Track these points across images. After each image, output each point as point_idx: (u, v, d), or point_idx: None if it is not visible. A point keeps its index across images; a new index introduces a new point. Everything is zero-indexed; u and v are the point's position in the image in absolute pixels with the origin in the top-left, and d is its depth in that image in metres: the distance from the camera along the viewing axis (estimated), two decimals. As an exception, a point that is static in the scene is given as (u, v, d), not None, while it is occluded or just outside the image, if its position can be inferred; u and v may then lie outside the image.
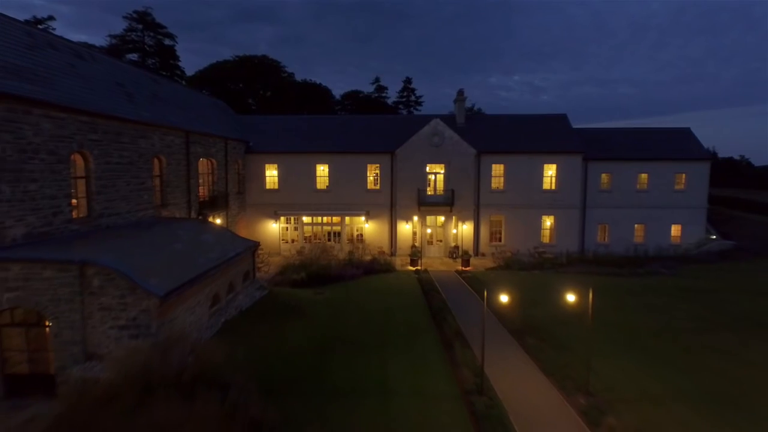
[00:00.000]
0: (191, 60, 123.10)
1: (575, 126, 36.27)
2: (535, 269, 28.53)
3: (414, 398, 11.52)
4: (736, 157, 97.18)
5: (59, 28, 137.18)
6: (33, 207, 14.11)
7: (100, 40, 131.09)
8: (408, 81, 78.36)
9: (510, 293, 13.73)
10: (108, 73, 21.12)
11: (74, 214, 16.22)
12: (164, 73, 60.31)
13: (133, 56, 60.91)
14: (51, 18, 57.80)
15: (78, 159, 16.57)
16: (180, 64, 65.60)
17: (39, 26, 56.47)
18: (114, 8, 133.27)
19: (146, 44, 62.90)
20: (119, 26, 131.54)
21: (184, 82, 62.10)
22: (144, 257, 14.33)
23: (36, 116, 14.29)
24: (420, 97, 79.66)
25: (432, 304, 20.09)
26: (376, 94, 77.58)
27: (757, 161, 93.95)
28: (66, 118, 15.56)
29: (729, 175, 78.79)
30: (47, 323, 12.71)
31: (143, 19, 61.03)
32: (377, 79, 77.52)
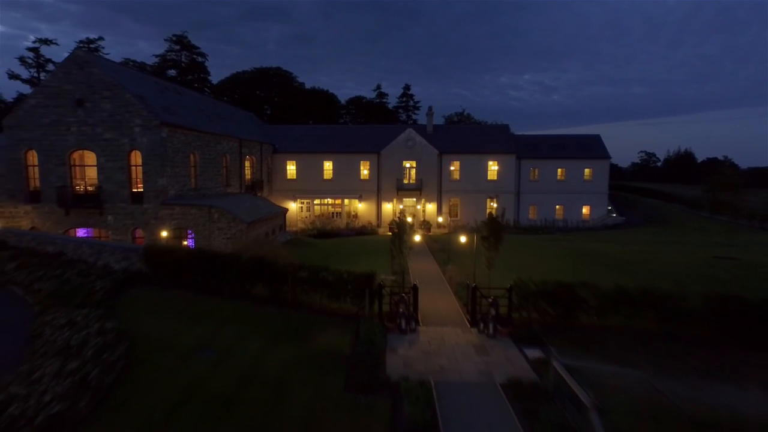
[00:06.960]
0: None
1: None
2: (473, 233, 41.24)
3: (368, 267, 24.41)
4: (720, 157, 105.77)
5: (66, 29, 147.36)
6: (176, 181, 27.17)
7: (106, 38, 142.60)
8: (407, 87, 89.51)
9: (444, 243, 26.38)
10: (191, 101, 34.20)
11: (190, 186, 29.26)
12: (196, 85, 73.36)
13: (172, 72, 74.02)
14: (101, 38, 70.66)
15: (191, 156, 29.57)
16: (209, 77, 78.54)
17: (90, 45, 70.00)
18: (120, 7, 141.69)
19: (182, 62, 75.62)
20: (124, 26, 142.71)
21: (210, 93, 74.96)
22: (234, 207, 27.31)
23: (178, 133, 27.34)
24: (418, 102, 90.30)
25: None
26: (378, 100, 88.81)
27: (760, 162, 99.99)
28: (189, 134, 28.61)
29: (707, 175, 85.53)
30: (190, 236, 25.75)
31: (180, 41, 73.86)
32: (378, 86, 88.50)
